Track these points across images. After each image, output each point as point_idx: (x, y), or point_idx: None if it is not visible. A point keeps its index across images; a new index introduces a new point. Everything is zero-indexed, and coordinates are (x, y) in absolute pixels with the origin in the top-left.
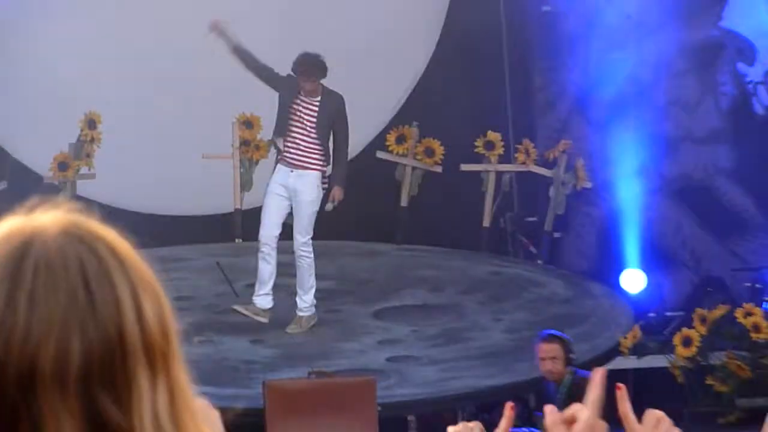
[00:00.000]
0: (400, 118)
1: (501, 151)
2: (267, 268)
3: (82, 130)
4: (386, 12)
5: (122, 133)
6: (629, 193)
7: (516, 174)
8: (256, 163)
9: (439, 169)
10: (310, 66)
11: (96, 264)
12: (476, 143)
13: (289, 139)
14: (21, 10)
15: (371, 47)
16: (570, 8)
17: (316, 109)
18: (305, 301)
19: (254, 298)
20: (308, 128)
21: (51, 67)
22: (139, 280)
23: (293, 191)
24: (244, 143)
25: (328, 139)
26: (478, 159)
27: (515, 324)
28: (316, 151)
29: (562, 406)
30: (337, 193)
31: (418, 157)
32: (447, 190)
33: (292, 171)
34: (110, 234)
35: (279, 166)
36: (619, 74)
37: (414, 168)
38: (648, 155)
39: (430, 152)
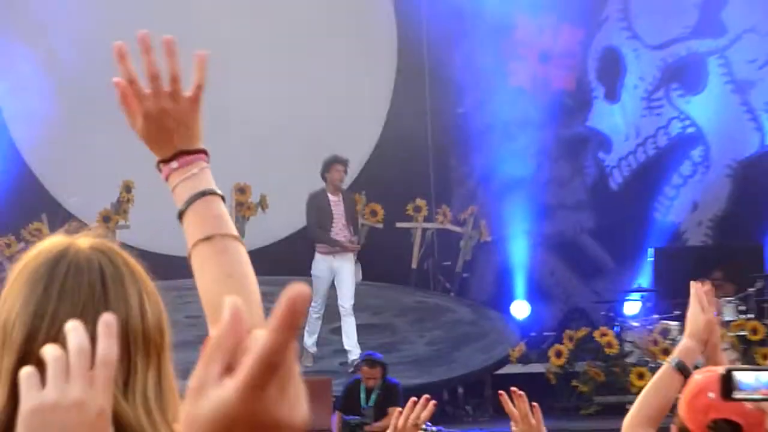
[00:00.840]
0: (353, 188)
1: (425, 213)
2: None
3: (120, 193)
4: (342, 111)
5: (150, 196)
6: (518, 245)
7: (436, 230)
8: (248, 219)
9: (380, 225)
10: (341, 158)
11: (113, 270)
12: (408, 207)
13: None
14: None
15: (332, 139)
16: (477, 110)
17: (342, 204)
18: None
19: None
20: (341, 221)
21: (100, 146)
22: (144, 289)
23: (336, 271)
24: (239, 204)
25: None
26: (409, 219)
27: (434, 339)
28: (349, 236)
29: (375, 406)
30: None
31: (366, 217)
32: (386, 241)
33: (335, 257)
34: (127, 254)
35: (320, 255)
36: (513, 158)
37: (362, 225)
38: (532, 218)
39: (374, 213)
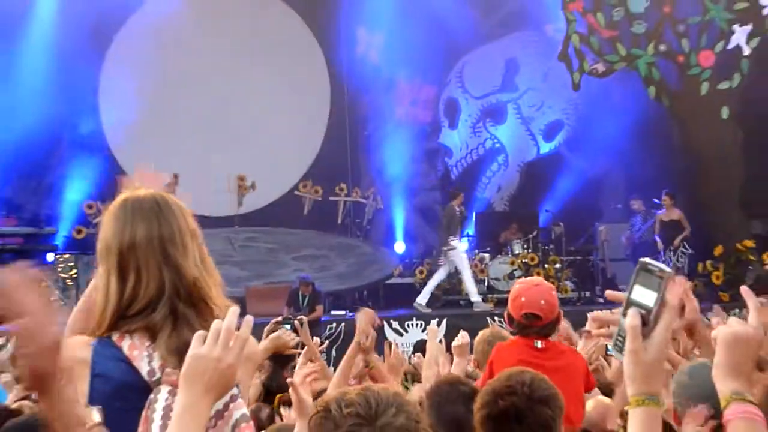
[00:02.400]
0: (305, 177)
1: (346, 191)
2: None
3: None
4: (299, 131)
5: (188, 183)
6: (398, 211)
7: (352, 202)
8: (244, 195)
9: (320, 198)
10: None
11: (162, 200)
12: (336, 189)
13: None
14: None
15: (293, 147)
16: (376, 132)
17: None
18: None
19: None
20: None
21: (160, 147)
22: (184, 209)
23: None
24: (240, 186)
25: None
26: (337, 195)
27: (350, 264)
28: None
29: (308, 305)
30: None
31: (311, 193)
32: (324, 207)
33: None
34: (173, 197)
35: (456, 242)
36: (395, 161)
37: (309, 198)
38: (406, 195)
39: (316, 191)
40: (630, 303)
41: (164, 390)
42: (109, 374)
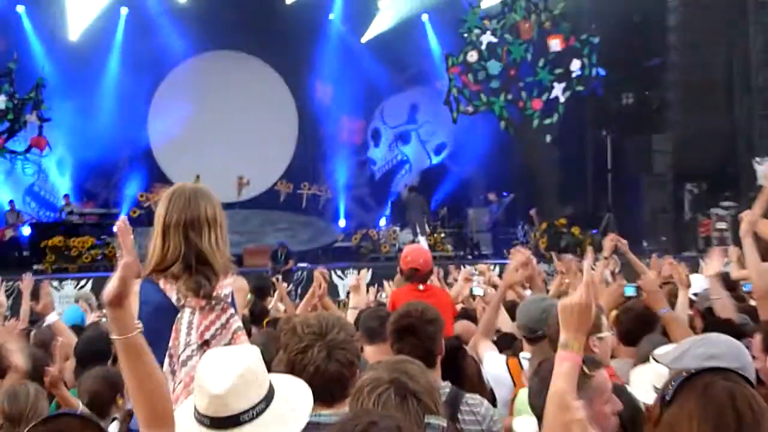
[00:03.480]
0: (282, 177)
1: (308, 187)
2: None
3: (195, 180)
4: (274, 149)
5: (205, 178)
6: (342, 199)
7: (311, 194)
8: (242, 189)
9: (291, 191)
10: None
11: (202, 191)
12: (301, 185)
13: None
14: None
15: (271, 159)
16: (329, 149)
17: None
18: None
19: None
20: None
21: (188, 157)
22: (213, 198)
23: None
24: (239, 183)
25: None
26: (302, 189)
27: (310, 234)
28: None
29: (283, 260)
30: None
31: (285, 188)
32: (293, 197)
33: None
34: (208, 190)
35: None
36: (340, 168)
37: (284, 191)
38: (345, 189)
39: (288, 187)
40: None
41: (188, 311)
42: (150, 300)
